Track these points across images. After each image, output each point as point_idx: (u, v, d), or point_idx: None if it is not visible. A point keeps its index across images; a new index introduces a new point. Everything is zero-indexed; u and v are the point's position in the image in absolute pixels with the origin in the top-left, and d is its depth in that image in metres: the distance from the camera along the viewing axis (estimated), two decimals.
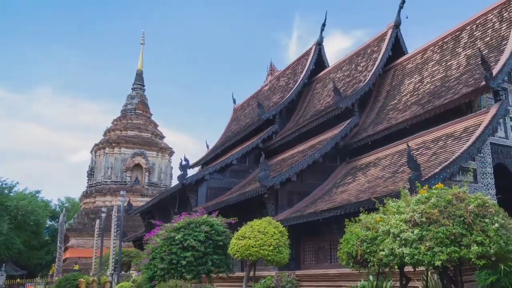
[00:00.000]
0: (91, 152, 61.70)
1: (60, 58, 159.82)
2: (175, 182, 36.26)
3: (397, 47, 27.79)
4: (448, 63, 22.63)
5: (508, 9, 20.59)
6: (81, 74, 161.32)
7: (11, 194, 64.37)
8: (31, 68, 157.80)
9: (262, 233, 16.87)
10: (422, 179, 13.72)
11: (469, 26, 23.01)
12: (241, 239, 17.08)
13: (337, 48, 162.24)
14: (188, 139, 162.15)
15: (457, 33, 23.60)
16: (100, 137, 61.23)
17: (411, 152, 15.01)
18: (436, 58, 23.92)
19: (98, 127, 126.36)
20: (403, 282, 10.29)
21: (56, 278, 43.94)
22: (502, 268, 11.86)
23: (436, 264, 8.32)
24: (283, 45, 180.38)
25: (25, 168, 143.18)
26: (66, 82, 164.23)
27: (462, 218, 8.46)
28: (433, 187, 9.57)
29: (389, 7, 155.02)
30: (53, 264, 54.66)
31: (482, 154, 17.40)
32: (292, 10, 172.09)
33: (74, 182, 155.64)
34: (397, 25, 27.82)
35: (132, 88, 65.23)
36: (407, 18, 28.11)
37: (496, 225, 8.43)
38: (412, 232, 8.61)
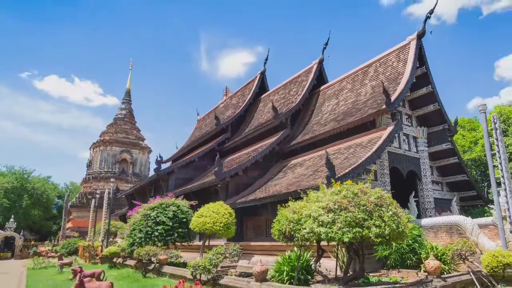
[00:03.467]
0: (90, 148, 61.24)
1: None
2: (151, 173, 35.70)
3: (320, 77, 27.98)
4: (358, 91, 22.69)
5: (404, 52, 20.83)
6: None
7: (30, 178, 63.28)
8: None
9: (216, 213, 16.79)
10: (336, 177, 13.61)
11: (374, 63, 23.15)
12: (200, 217, 16.92)
13: (241, 62, 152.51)
14: (162, 140, 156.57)
15: (365, 68, 23.71)
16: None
17: (329, 156, 14.98)
18: (349, 87, 23.97)
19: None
20: (320, 253, 10.30)
21: (61, 242, 43.19)
22: (394, 245, 12.13)
23: (344, 241, 8.36)
24: (195, 59, 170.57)
25: None
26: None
27: (365, 207, 8.51)
28: (344, 183, 9.64)
29: (286, 23, 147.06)
30: (59, 232, 54.34)
31: (381, 160, 17.59)
32: (196, 28, 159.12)
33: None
34: (321, 61, 28.02)
35: (122, 102, 64.87)
36: (328, 56, 28.31)
37: (390, 212, 8.57)
38: (327, 216, 8.62)
